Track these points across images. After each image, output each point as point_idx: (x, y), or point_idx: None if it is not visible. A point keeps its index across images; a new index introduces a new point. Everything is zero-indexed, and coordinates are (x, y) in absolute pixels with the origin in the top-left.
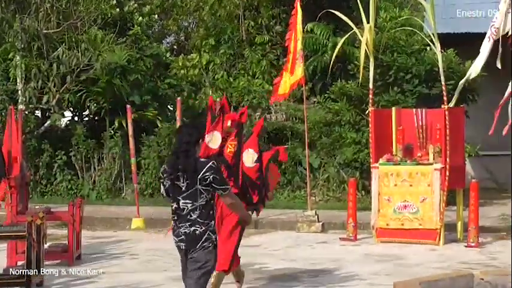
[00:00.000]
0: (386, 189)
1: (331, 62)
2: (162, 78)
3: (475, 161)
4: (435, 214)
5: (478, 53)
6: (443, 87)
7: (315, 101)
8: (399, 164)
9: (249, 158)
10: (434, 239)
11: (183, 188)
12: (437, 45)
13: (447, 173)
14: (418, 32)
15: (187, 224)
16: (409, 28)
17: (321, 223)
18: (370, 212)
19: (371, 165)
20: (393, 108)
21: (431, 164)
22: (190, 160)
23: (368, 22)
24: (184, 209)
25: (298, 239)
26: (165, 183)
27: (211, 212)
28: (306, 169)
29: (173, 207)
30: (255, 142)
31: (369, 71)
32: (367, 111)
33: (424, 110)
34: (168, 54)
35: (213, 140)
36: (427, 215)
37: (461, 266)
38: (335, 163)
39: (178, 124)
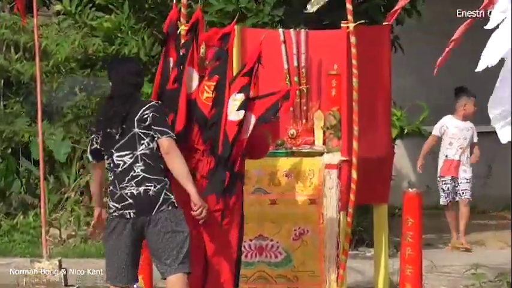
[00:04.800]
0: None
1: None
2: None
3: (416, 147)
4: (327, 266)
5: None
6: None
7: (59, 12)
8: None
9: (235, 106)
10: None
11: (117, 136)
12: None
13: (354, 175)
14: None
15: (132, 182)
16: None
17: None
18: None
19: None
20: (236, 27)
21: (319, 153)
22: (131, 104)
23: None
24: (119, 164)
25: None
26: (96, 137)
27: (161, 166)
28: (38, 168)
29: (110, 165)
30: (244, 81)
31: None
32: None
33: (303, 31)
34: None
35: (186, 80)
36: (309, 268)
37: None
38: None
39: None
